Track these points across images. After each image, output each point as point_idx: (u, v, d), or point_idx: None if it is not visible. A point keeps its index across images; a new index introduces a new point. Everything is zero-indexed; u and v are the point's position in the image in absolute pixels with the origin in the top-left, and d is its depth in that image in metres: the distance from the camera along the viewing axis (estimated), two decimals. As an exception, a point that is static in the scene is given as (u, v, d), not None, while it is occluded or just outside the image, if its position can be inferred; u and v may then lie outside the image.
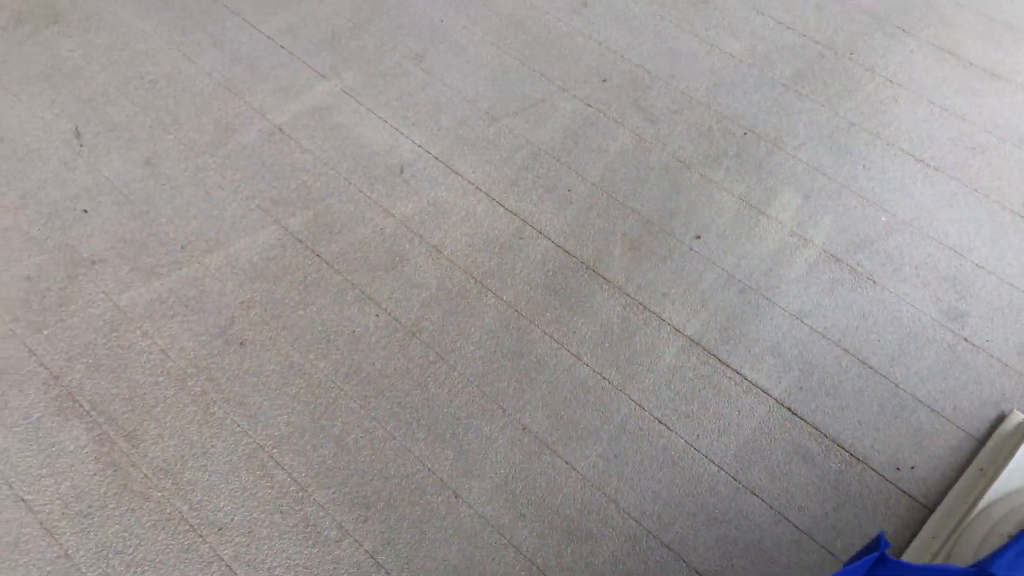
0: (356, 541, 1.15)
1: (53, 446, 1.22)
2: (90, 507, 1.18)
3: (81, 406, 1.26)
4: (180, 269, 1.39)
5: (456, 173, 1.51)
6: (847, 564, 0.75)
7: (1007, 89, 1.63)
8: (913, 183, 1.50)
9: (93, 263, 1.40)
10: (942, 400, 1.26)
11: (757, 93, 1.60)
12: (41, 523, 1.16)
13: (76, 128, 1.56)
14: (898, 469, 1.21)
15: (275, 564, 1.13)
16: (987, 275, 1.39)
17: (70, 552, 1.14)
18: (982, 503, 1.09)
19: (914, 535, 1.14)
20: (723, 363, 1.30)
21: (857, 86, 1.62)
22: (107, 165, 1.51)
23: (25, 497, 1.18)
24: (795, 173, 1.51)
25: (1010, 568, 0.61)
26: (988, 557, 0.64)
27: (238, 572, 1.13)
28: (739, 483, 1.19)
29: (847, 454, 1.22)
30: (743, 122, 1.56)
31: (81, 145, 1.53)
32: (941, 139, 1.56)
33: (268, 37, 1.68)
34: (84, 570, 1.12)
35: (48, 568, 1.12)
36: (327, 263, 1.41)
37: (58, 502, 1.18)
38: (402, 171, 1.51)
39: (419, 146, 1.54)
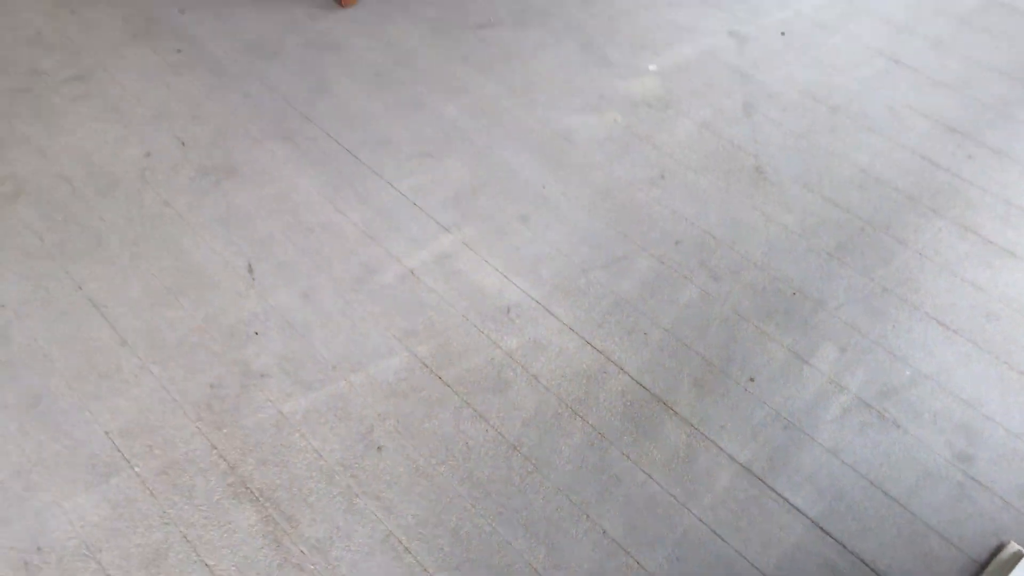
0: (467, 615, 1.45)
1: (229, 523, 1.55)
2: (258, 574, 1.49)
3: (252, 492, 1.59)
4: (331, 384, 1.74)
5: (552, 315, 1.85)
6: None
7: (1020, 266, 1.93)
8: (935, 343, 1.80)
9: (262, 376, 1.76)
10: (950, 529, 1.53)
11: (805, 259, 1.92)
12: (220, 584, 1.48)
13: (249, 264, 1.94)
14: (912, 585, 1.47)
15: (403, 629, 1.43)
16: (995, 426, 1.67)
17: (242, 609, 1.46)
18: (978, 616, 1.34)
19: (923, 640, 1.40)
20: (769, 487, 1.59)
21: (891, 257, 1.94)
22: (273, 296, 1.89)
23: (208, 562, 1.51)
24: (835, 329, 1.81)
25: None
26: None
27: (373, 633, 1.43)
28: (779, 588, 1.47)
29: (869, 570, 1.48)
30: (792, 283, 1.88)
31: (253, 279, 1.92)
32: (961, 306, 1.86)
33: (403, 195, 2.07)
34: (253, 624, 1.44)
35: (226, 620, 1.44)
36: (447, 385, 1.74)
37: (233, 568, 1.50)
38: (509, 311, 1.86)
39: (523, 291, 1.89)
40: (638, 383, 1.73)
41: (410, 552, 1.51)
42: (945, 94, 2.33)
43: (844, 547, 1.51)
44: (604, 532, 1.53)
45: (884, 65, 2.40)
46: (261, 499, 1.58)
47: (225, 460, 1.63)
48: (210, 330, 1.83)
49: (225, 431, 1.67)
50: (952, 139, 2.21)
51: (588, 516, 1.55)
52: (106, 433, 1.67)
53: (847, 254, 1.93)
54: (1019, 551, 1.44)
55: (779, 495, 1.57)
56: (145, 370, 1.76)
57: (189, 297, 1.88)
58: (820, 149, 2.12)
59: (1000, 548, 1.49)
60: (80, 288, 1.90)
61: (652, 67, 2.32)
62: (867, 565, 1.49)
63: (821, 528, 1.53)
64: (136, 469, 1.62)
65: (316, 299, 1.88)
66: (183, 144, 2.21)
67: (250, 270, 1.93)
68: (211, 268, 1.94)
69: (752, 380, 1.73)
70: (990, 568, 1.45)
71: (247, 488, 1.59)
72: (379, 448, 1.65)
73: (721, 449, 1.64)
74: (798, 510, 1.56)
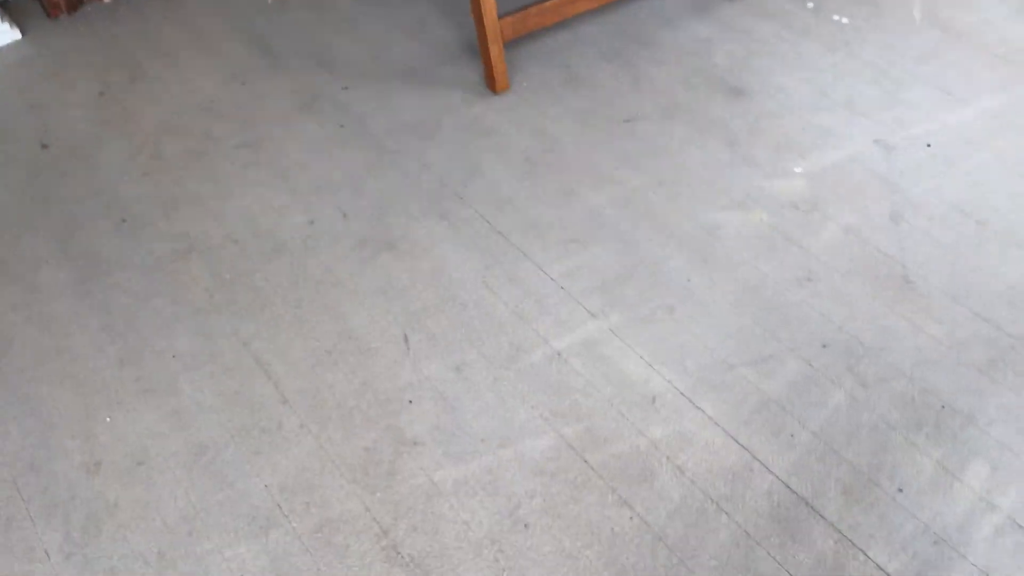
0: None
1: (378, 585, 1.61)
2: (406, 639, 1.54)
3: (403, 557, 1.64)
4: (480, 458, 1.80)
5: (698, 408, 1.88)
6: None
7: None
8: (1094, 465, 1.76)
9: (415, 444, 1.82)
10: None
11: (954, 373, 1.91)
12: (370, 645, 1.53)
13: (405, 335, 2.03)
14: None
15: None
16: None
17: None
18: None
19: None
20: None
21: (1044, 376, 1.92)
22: (427, 367, 1.96)
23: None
24: (986, 447, 1.79)
25: None
26: None
27: None
28: None
29: None
30: (941, 396, 1.87)
31: (408, 348, 2.00)
32: (1120, 433, 1.82)
33: (552, 279, 2.14)
34: None
35: None
36: (593, 469, 1.78)
37: (382, 631, 1.55)
38: (654, 401, 1.89)
39: (668, 381, 1.92)
40: (785, 484, 1.74)
41: (556, 632, 1.54)
42: (1096, 214, 2.31)
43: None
44: (749, 632, 1.53)
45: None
46: (411, 565, 1.63)
47: (378, 523, 1.69)
48: (367, 395, 1.91)
49: (378, 495, 1.74)
50: (1105, 262, 2.19)
51: (732, 614, 1.56)
52: (266, 487, 1.75)
53: (998, 371, 1.91)
54: None
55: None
56: (305, 429, 1.85)
57: (348, 362, 1.98)
58: (968, 263, 2.12)
59: None
60: (246, 345, 2.01)
61: (798, 169, 2.36)
62: None
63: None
64: (293, 525, 1.69)
65: (467, 373, 1.95)
66: (344, 215, 2.34)
67: (406, 340, 2.02)
68: (369, 335, 2.03)
69: (901, 491, 1.72)
70: None
71: (398, 553, 1.65)
72: (526, 525, 1.69)
73: (869, 558, 1.63)
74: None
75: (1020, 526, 1.67)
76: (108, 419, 1.89)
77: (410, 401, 1.90)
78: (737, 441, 1.81)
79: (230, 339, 2.03)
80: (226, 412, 1.88)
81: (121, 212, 2.42)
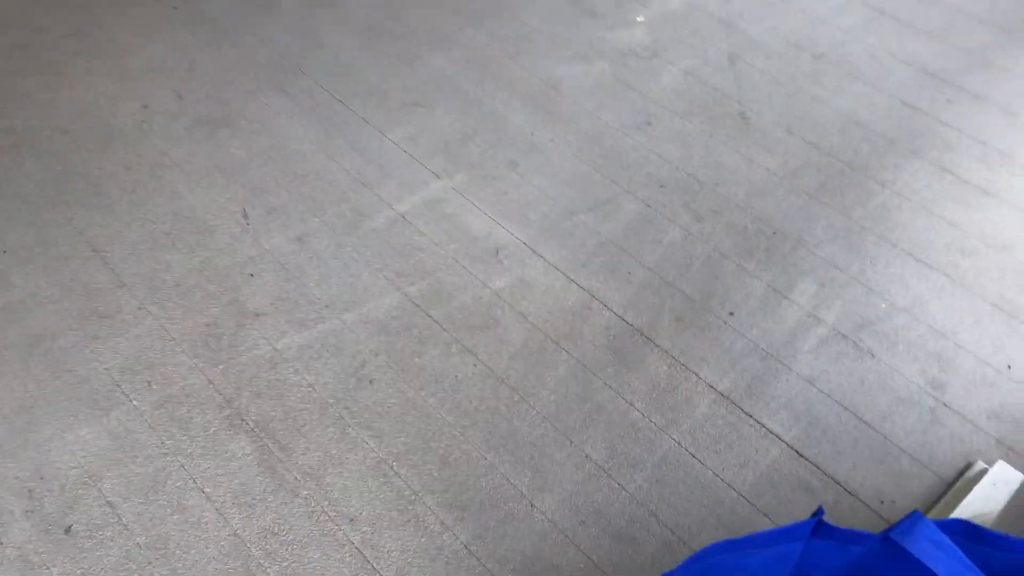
0: (454, 534, 1.51)
1: (225, 453, 1.61)
2: (254, 499, 1.56)
3: (247, 424, 1.65)
4: (324, 323, 1.80)
5: (540, 256, 1.90)
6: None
7: (994, 204, 1.97)
8: (911, 278, 1.85)
9: (257, 315, 1.81)
10: (921, 451, 1.59)
11: (786, 200, 1.96)
12: (217, 510, 1.54)
13: (244, 210, 1.99)
14: (881, 502, 1.53)
15: (393, 548, 1.49)
16: (966, 354, 1.72)
17: (238, 532, 1.51)
18: (943, 528, 1.40)
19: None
20: (746, 413, 1.64)
21: (869, 197, 1.98)
22: (268, 240, 1.94)
23: (204, 490, 1.57)
24: (814, 266, 1.86)
25: (902, 534, 0.92)
26: (893, 526, 0.94)
27: (365, 554, 1.49)
28: (754, 506, 1.53)
29: (841, 489, 1.54)
30: (773, 223, 1.93)
31: (248, 223, 1.97)
32: (937, 243, 1.90)
33: (394, 143, 2.11)
34: (250, 547, 1.50)
35: (222, 544, 1.50)
36: (437, 322, 1.80)
37: (229, 495, 1.56)
38: (497, 253, 1.91)
39: (511, 234, 1.94)
40: (621, 318, 1.78)
41: (400, 476, 1.57)
42: (926, 42, 2.37)
43: (818, 468, 1.57)
44: (587, 456, 1.59)
45: (867, 14, 2.43)
46: (256, 430, 1.64)
47: (221, 394, 1.69)
48: (207, 272, 1.88)
49: (221, 367, 1.73)
50: (932, 84, 2.25)
51: (571, 442, 1.61)
52: (106, 370, 1.72)
53: (827, 195, 1.97)
54: (984, 468, 1.50)
55: (756, 421, 1.63)
56: (144, 311, 1.81)
57: (186, 241, 1.94)
58: (803, 95, 2.16)
59: (967, 467, 1.55)
60: (81, 234, 1.95)
61: (640, 18, 2.35)
62: (840, 485, 1.55)
63: (796, 451, 1.59)
64: (135, 403, 1.68)
65: (309, 243, 1.93)
66: (180, 97, 2.26)
67: (245, 215, 1.98)
68: (207, 214, 1.99)
69: (732, 315, 1.79)
70: (956, 486, 1.51)
71: (243, 420, 1.65)
72: (371, 381, 1.70)
73: (700, 378, 1.69)
74: (774, 435, 1.61)
75: (843, 335, 1.75)
76: (-62, 320, 1.84)
77: (251, 275, 1.88)
78: (576, 283, 1.85)
79: (64, 229, 1.97)
80: (62, 302, 1.84)
81: (-57, 113, 2.30)
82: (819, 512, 0.96)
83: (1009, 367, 1.70)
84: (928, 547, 0.85)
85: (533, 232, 1.94)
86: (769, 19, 2.32)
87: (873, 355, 1.72)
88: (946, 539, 0.86)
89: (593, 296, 1.82)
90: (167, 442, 1.62)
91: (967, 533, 0.94)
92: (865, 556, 1.00)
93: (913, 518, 0.87)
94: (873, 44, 2.34)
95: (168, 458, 1.60)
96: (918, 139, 2.11)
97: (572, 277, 1.86)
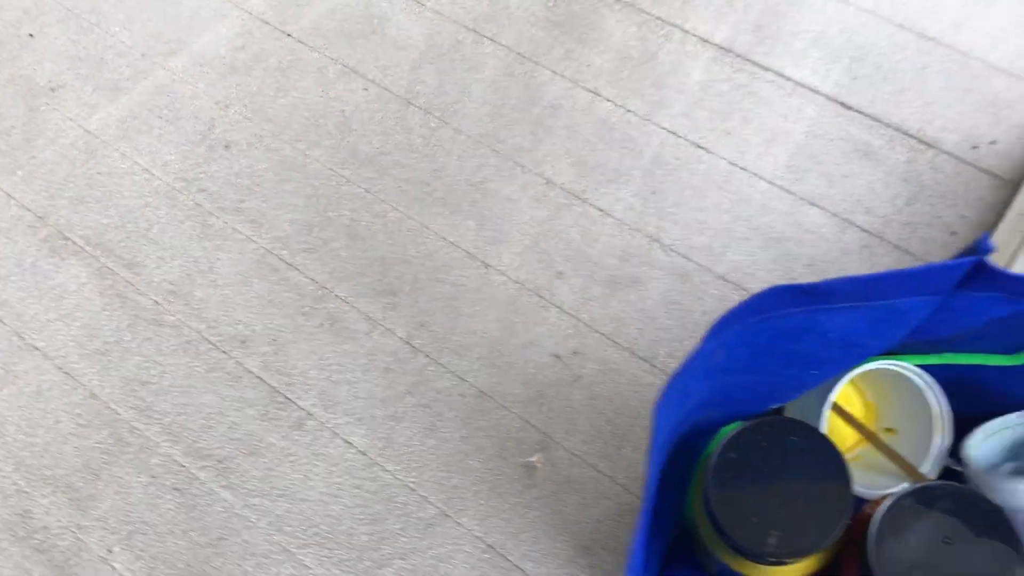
0: (387, 330, 1.07)
1: (54, 289, 1.14)
2: (105, 344, 1.11)
3: (74, 243, 1.17)
4: (145, 79, 1.26)
5: (426, -87, 1.31)
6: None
7: None
8: None
9: (52, 90, 1.27)
10: (1020, 61, 1.09)
11: None
12: (60, 368, 1.10)
13: (0, -54, 1.39)
14: (975, 147, 1.05)
15: (307, 367, 1.06)
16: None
17: (95, 391, 1.08)
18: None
19: (1000, 216, 1.01)
20: (761, 67, 1.14)
21: None
22: (42, -19, 1.35)
23: (38, 345, 1.12)
24: None
25: None
26: None
27: (270, 381, 1.06)
28: (794, 195, 1.06)
29: (915, 141, 1.07)
30: None
31: (10, -36, 1.37)
32: None
33: None
34: (114, 406, 1.07)
35: (77, 411, 1.07)
36: (300, 42, 1.25)
37: (72, 344, 1.11)
38: (365, -77, 1.32)
39: None
40: (559, -26, 1.23)
41: (295, 268, 1.11)
42: None
43: (877, 120, 1.09)
44: (548, 181, 1.11)
45: None
46: (88, 248, 1.16)
47: (29, 211, 1.20)
48: (-32, 46, 1.32)
49: (20, 173, 1.22)
50: None
51: (523, 167, 1.13)
52: None
53: None
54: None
55: (777, 74, 1.13)
56: None
57: (-70, 10, 1.36)
58: None
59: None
60: None
61: None
62: (912, 136, 1.07)
63: (841, 103, 1.10)
64: (-83, 250, 1.19)
65: (101, -29, 1.34)
66: None
67: (3, -46, 1.38)
68: (-51, -36, 1.39)
69: (715, -70, 1.23)
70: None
71: (66, 239, 1.17)
72: (227, 146, 1.20)
73: (687, 32, 1.17)
74: (806, 87, 1.12)
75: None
76: None
77: (31, 35, 1.32)
78: (485, -62, 1.27)
79: None
80: None
81: None
82: (983, 246, 0.48)
83: None
84: None
85: None
86: None
87: (928, -62, 1.18)
88: None
89: (513, -48, 1.26)
90: (-29, 293, 1.15)
91: None
92: None
93: None
94: None
95: (-22, 314, 1.14)
96: None
97: (477, -69, 1.28)
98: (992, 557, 0.62)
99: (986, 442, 0.75)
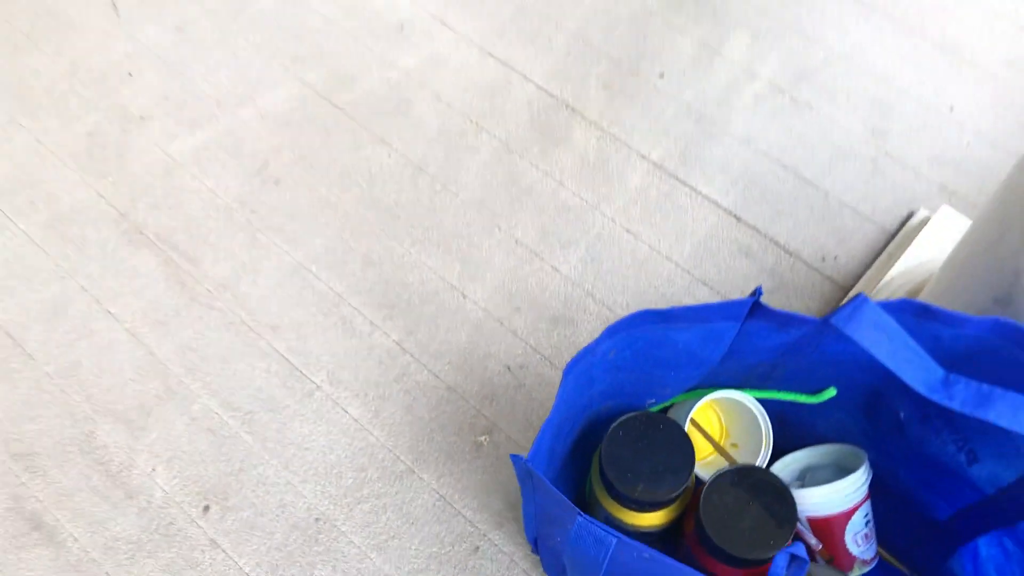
0: (384, 333, 1.43)
1: (128, 270, 1.49)
2: (166, 316, 1.45)
3: (147, 237, 1.52)
4: (218, 121, 1.63)
5: (449, 28, 1.72)
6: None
7: (938, -67, 1.82)
8: (849, 22, 1.71)
9: (142, 119, 1.63)
10: (863, 203, 1.52)
11: (715, -55, 1.79)
12: (127, 330, 1.44)
13: (112, 1, 1.75)
14: (823, 259, 1.48)
15: (321, 353, 1.41)
16: (908, 98, 1.63)
17: (153, 351, 1.42)
18: (885, 278, 1.36)
19: (831, 310, 1.42)
20: (681, 181, 1.55)
21: (805, -65, 1.81)
22: (143, 33, 1.72)
23: (111, 310, 1.45)
24: (746, 16, 1.71)
25: (844, 320, 0.83)
26: (835, 311, 0.86)
27: (292, 361, 1.41)
28: (692, 275, 1.46)
29: (781, 250, 1.48)
30: (703, -27, 1.76)
31: (118, 15, 1.74)
32: (877, -19, 1.77)
33: (274, -90, 1.85)
34: (168, 365, 1.41)
35: (138, 364, 1.40)
36: (342, 111, 1.64)
37: (139, 313, 1.45)
38: (402, 28, 1.72)
39: (415, 4, 1.74)
40: (544, 91, 1.64)
41: (320, 279, 1.47)
42: None
43: (758, 231, 1.50)
44: (517, 241, 1.50)
45: None
46: (158, 243, 1.51)
47: (115, 208, 1.54)
48: (79, 75, 1.67)
49: (111, 179, 1.57)
50: None
51: (500, 228, 1.51)
52: (-18, 193, 1.56)
53: (760, -64, 1.80)
54: (927, 216, 1.45)
55: (692, 188, 1.54)
56: (15, 124, 1.62)
57: (51, 41, 1.71)
58: None
59: (910, 216, 1.49)
60: (-75, 43, 1.71)
61: None
62: (780, 246, 1.49)
63: (735, 216, 1.52)
64: (21, 226, 1.53)
65: (191, 33, 1.72)
66: None
67: (114, 7, 1.75)
68: (71, 9, 1.75)
69: (662, 76, 1.65)
70: (900, 235, 1.46)
71: (142, 234, 1.52)
72: (276, 181, 1.57)
73: (632, 149, 1.58)
74: (711, 201, 1.53)
75: (779, 89, 1.64)
76: None
77: (130, 74, 1.67)
78: (493, 55, 1.68)
79: (-95, 40, 1.72)
80: (-83, 122, 1.63)
81: None
82: (757, 293, 0.88)
83: (951, 109, 1.62)
84: (871, 332, 0.78)
85: (440, 1, 1.75)
86: None
87: (812, 107, 1.62)
88: (892, 321, 0.78)
89: (512, 68, 1.67)
90: (63, 264, 1.49)
91: (916, 311, 0.87)
92: (803, 338, 0.94)
93: (856, 302, 0.79)
94: None
95: (67, 281, 1.48)
96: None
97: (488, 49, 1.69)
98: (773, 514, 0.99)
99: (784, 469, 1.15)
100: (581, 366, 0.92)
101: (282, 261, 1.49)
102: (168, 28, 1.72)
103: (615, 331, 0.91)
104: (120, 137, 1.61)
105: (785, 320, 0.90)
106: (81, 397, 1.38)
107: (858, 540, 1.07)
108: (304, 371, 1.40)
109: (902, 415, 1.02)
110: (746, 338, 0.94)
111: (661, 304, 1.43)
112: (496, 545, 1.27)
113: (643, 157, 1.58)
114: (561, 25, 1.71)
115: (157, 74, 1.67)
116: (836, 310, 0.79)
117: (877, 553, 1.12)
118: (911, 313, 0.88)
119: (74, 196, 1.55)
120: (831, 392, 1.06)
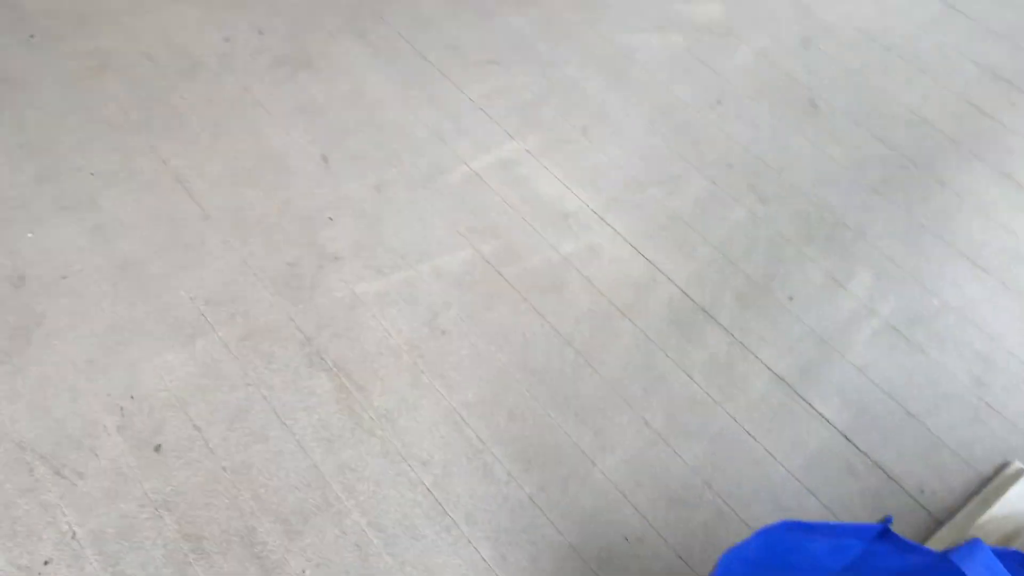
0: (519, 485, 1.61)
1: (305, 388, 1.70)
2: (332, 435, 1.65)
3: (326, 363, 1.74)
4: (400, 271, 1.87)
5: (607, 224, 1.97)
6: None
7: (1051, 213, 2.05)
8: (964, 279, 1.92)
9: (336, 258, 1.89)
10: (962, 446, 1.68)
11: (849, 191, 2.03)
12: (297, 442, 1.64)
13: (323, 154, 2.05)
14: (922, 491, 1.63)
15: (461, 492, 1.59)
16: (1011, 358, 1.81)
17: (318, 465, 1.61)
18: (979, 522, 1.50)
19: (924, 540, 1.56)
20: (799, 396, 1.74)
21: (930, 195, 2.05)
22: (346, 185, 2.00)
23: (286, 422, 1.66)
24: (871, 258, 1.93)
25: (962, 557, 1.00)
26: (953, 549, 1.03)
27: (436, 495, 1.59)
28: (802, 484, 1.63)
29: (885, 475, 1.64)
30: (836, 212, 2.00)
31: (328, 167, 2.03)
32: (992, 247, 1.98)
33: (471, 99, 2.16)
34: (328, 479, 1.59)
35: (303, 474, 1.59)
36: (507, 281, 1.87)
37: (309, 429, 1.65)
38: (567, 218, 1.98)
39: (581, 200, 2.01)
40: (684, 293, 1.86)
41: (469, 426, 1.66)
42: (996, 42, 2.40)
43: (865, 454, 1.67)
44: (646, 423, 1.68)
45: (940, 9, 2.47)
46: (335, 369, 1.73)
47: (302, 332, 1.77)
48: (288, 212, 1.95)
49: (301, 306, 1.81)
50: (998, 86, 2.29)
51: (632, 408, 1.70)
52: (191, 300, 1.80)
53: (890, 189, 2.04)
54: (1021, 468, 1.60)
55: (808, 404, 1.72)
56: (227, 245, 1.89)
57: (268, 180, 2.00)
58: (872, 86, 2.21)
59: (1005, 466, 1.64)
60: (165, 163, 2.02)
61: (716, -7, 2.39)
62: (884, 471, 1.65)
63: (845, 436, 1.69)
64: (220, 334, 1.76)
65: (387, 192, 2.00)
66: (260, 32, 2.30)
67: (325, 159, 2.04)
68: (288, 154, 2.05)
69: (791, 299, 1.86)
70: (994, 482, 1.61)
71: (322, 359, 1.74)
72: (443, 332, 1.79)
73: (758, 358, 1.78)
74: (825, 419, 1.71)
75: (895, 329, 1.84)
76: (30, 235, 1.90)
77: (331, 218, 1.95)
78: (642, 254, 1.92)
79: (148, 156, 2.03)
80: (148, 228, 1.91)
81: (29, 27, 2.33)
82: (887, 520, 1.05)
83: (1051, 374, 1.79)
84: (983, 572, 0.94)
85: (602, 200, 2.01)
86: (843, 5, 2.36)
87: (923, 351, 1.81)
88: (1002, 567, 0.95)
89: (658, 269, 1.90)
90: (251, 374, 1.71)
91: (1021, 562, 1.04)
92: (921, 567, 1.10)
93: (973, 544, 0.96)
94: (943, 40, 2.38)
95: (251, 389, 1.69)
96: (980, 141, 2.17)
97: (639, 248, 1.93)
98: None
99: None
100: (731, 555, 1.09)
101: (439, 403, 1.69)
102: (368, 185, 2.00)
103: (767, 532, 1.09)
104: (315, 271, 1.86)
105: (909, 549, 1.06)
106: (249, 495, 1.57)
107: None
108: (445, 506, 1.58)
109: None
110: (869, 557, 1.10)
111: (771, 507, 1.59)
112: None
113: (767, 367, 1.77)
114: (706, 238, 1.94)
115: (354, 222, 1.94)
116: (955, 548, 0.96)
117: None
118: (1017, 563, 1.03)
119: (268, 316, 1.79)
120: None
